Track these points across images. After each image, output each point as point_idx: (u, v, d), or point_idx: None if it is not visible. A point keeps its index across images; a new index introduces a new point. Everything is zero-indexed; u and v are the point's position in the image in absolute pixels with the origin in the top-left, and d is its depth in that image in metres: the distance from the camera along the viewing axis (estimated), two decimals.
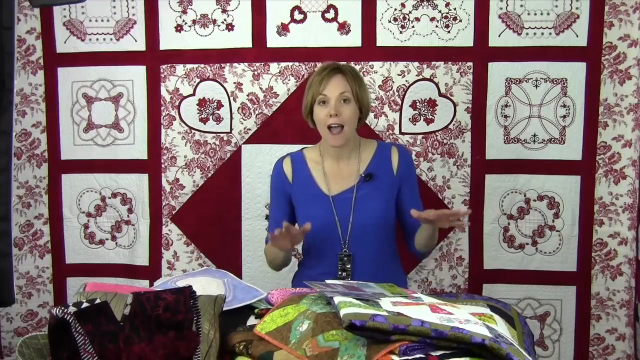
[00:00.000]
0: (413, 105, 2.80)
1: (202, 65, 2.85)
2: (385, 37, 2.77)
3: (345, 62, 2.38)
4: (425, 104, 2.79)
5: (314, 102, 2.21)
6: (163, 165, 2.92)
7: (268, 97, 2.84)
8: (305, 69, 2.81)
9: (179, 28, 2.85)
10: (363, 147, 2.31)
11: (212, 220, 2.92)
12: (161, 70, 2.88)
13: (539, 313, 2.85)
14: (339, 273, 2.22)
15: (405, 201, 2.28)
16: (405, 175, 2.28)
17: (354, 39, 2.79)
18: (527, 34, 2.72)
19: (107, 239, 3.01)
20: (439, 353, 1.49)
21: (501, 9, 2.72)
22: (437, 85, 2.78)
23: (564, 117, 2.75)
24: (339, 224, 2.24)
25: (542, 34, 2.71)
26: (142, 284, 2.93)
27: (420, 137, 2.81)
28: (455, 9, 2.73)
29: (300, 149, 2.39)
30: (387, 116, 2.80)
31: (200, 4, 2.83)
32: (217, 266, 2.83)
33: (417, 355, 1.48)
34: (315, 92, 2.20)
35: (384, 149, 2.31)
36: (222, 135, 2.88)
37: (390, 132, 2.81)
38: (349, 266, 2.22)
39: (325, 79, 2.19)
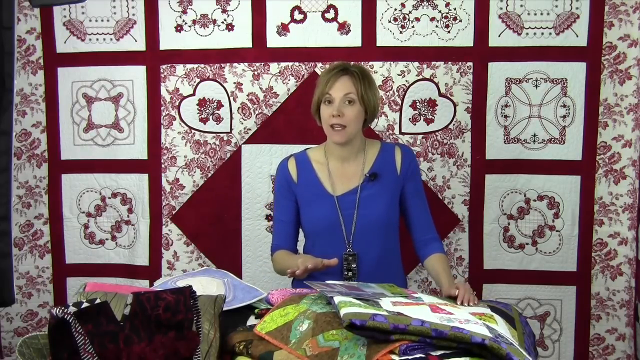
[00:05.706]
0: (413, 105, 2.80)
1: (202, 65, 2.85)
2: (385, 37, 2.77)
3: (355, 63, 2.37)
4: (425, 104, 2.79)
5: (321, 101, 2.22)
6: (163, 165, 2.92)
7: (268, 97, 2.84)
8: (305, 69, 2.81)
9: (179, 28, 2.85)
10: (368, 148, 2.31)
11: (212, 220, 2.92)
12: (161, 70, 2.88)
13: (539, 313, 2.85)
14: (345, 273, 2.22)
15: (410, 197, 2.28)
16: (408, 173, 2.28)
17: (354, 39, 2.79)
18: (527, 34, 2.72)
19: (107, 239, 3.01)
20: (439, 353, 1.49)
21: (501, 9, 2.72)
22: (437, 85, 2.78)
23: (564, 117, 2.75)
24: (343, 223, 2.24)
25: (542, 34, 2.71)
26: (142, 284, 2.93)
27: (420, 137, 2.81)
28: (455, 9, 2.73)
29: (304, 150, 2.38)
30: (387, 116, 2.80)
31: (200, 4, 2.83)
32: (217, 266, 2.83)
33: (417, 355, 1.48)
34: (322, 91, 2.21)
35: (388, 149, 2.31)
36: (222, 135, 2.88)
37: (390, 132, 2.81)
38: (354, 266, 2.22)
39: (332, 79, 2.20)
